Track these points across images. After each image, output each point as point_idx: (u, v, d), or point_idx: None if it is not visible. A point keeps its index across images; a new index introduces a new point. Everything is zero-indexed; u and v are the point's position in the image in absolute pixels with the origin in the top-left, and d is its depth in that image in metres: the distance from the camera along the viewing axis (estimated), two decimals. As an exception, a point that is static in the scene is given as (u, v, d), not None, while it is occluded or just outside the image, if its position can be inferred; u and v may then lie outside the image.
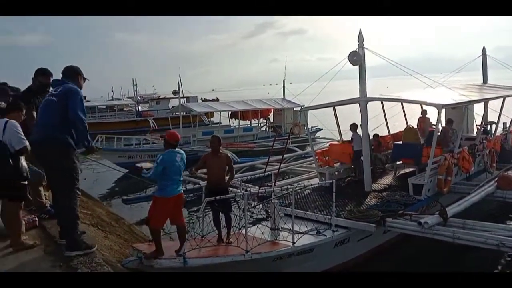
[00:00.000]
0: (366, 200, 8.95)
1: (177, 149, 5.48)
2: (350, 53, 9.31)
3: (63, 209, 4.14)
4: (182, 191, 5.52)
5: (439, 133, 9.81)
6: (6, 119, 4.35)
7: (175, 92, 24.67)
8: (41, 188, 5.43)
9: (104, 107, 43.22)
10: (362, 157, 10.01)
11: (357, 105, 9.71)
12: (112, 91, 68.26)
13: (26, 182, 4.42)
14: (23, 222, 4.81)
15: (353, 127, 10.68)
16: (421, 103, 10.83)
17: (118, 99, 55.99)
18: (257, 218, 8.84)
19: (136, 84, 46.10)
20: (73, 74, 4.61)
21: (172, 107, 29.16)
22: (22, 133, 4.32)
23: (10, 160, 4.16)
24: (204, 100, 39.93)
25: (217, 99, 45.59)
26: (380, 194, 9.31)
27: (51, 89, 4.61)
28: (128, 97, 55.85)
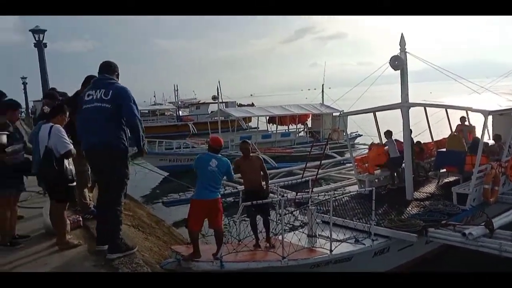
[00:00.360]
0: (408, 209, 8.66)
1: (216, 155, 5.50)
2: (392, 57, 9.08)
3: (109, 213, 4.19)
4: (219, 196, 5.53)
5: (490, 144, 9.38)
6: (51, 123, 4.46)
7: (214, 97, 25.07)
8: (85, 190, 5.66)
9: (147, 111, 44.52)
10: (402, 165, 9.72)
11: (398, 111, 9.46)
12: (154, 96, 70.30)
13: (73, 184, 4.60)
14: (68, 222, 5.02)
15: (388, 134, 10.41)
16: (466, 109, 10.38)
17: (160, 104, 57.55)
18: (293, 224, 8.80)
19: (177, 89, 47.27)
20: (114, 70, 4.44)
21: (211, 112, 29.62)
22: (66, 137, 4.44)
23: (55, 164, 4.28)
24: (240, 105, 40.28)
25: (252, 104, 45.88)
26: (422, 203, 8.97)
27: (93, 91, 4.22)
28: (170, 102, 57.27)
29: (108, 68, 4.40)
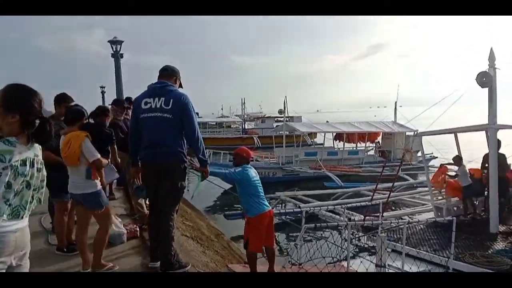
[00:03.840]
0: (492, 243, 7.65)
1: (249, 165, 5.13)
2: (479, 74, 8.20)
3: (163, 227, 3.93)
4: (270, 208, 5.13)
5: None
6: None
7: (280, 111, 24.83)
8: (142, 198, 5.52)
9: (214, 123, 45.65)
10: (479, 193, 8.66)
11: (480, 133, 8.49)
12: (222, 109, 72.18)
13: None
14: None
15: (457, 160, 9.38)
16: None
17: (227, 117, 58.80)
18: (359, 250, 8.13)
19: (244, 103, 48.00)
20: (172, 75, 4.13)
21: (277, 126, 29.43)
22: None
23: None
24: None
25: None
26: (509, 238, 7.90)
27: (152, 99, 3.93)
28: (236, 115, 58.32)
29: (167, 73, 4.13)
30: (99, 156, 3.97)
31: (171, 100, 3.89)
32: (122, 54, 15.23)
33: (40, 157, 2.19)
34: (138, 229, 5.23)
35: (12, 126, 2.03)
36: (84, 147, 3.88)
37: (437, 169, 10.58)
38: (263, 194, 5.02)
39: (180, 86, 4.24)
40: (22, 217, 2.09)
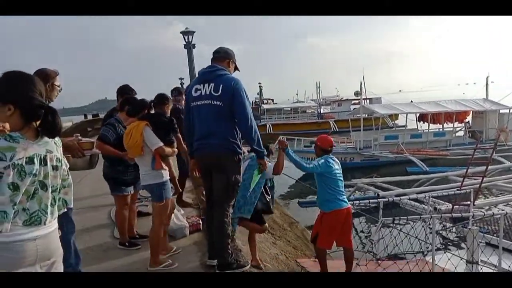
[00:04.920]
0: None
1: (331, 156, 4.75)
2: None
3: (217, 223, 3.70)
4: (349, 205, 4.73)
5: None
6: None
7: (357, 93, 23.77)
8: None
9: (289, 109, 45.35)
10: None
11: None
12: (297, 94, 71.58)
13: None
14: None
15: None
16: None
17: (302, 102, 58.08)
18: (446, 244, 7.32)
19: (319, 87, 46.96)
20: (225, 57, 3.79)
21: (354, 109, 28.25)
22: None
23: None
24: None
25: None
26: None
27: (202, 85, 3.67)
28: (311, 100, 57.37)
29: (218, 56, 3.79)
30: (161, 144, 3.87)
31: (221, 86, 3.59)
32: (194, 44, 15.46)
33: (57, 152, 1.97)
34: (201, 222, 5.08)
35: (12, 120, 1.81)
36: (145, 136, 3.83)
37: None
38: (343, 190, 4.66)
39: (236, 69, 3.93)
40: (44, 223, 1.88)
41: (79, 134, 3.38)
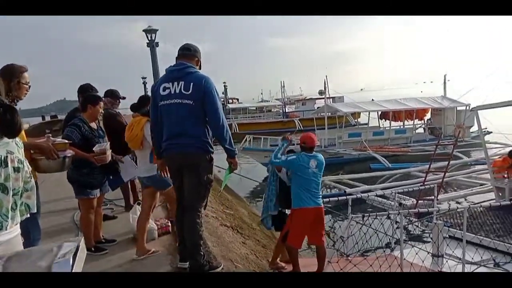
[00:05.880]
0: None
1: (313, 154, 4.70)
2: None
3: (188, 224, 3.57)
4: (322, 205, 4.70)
5: None
6: None
7: (320, 92, 24.08)
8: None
9: (254, 108, 45.38)
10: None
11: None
12: (262, 93, 71.83)
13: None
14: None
15: None
16: None
17: (267, 101, 58.28)
18: (410, 238, 7.48)
19: (283, 86, 47.26)
20: (193, 55, 3.65)
21: (318, 107, 28.62)
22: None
23: None
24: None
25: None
26: None
27: (170, 83, 3.54)
28: (276, 99, 57.66)
29: (188, 53, 3.63)
30: None
31: (191, 84, 3.45)
32: (157, 43, 15.10)
33: (18, 154, 1.82)
34: (170, 224, 4.92)
35: None
36: (146, 131, 4.03)
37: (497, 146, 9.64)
38: (316, 190, 4.58)
39: (200, 67, 3.77)
40: (6, 228, 1.74)
41: (50, 134, 3.17)
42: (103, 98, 4.76)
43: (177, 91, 3.48)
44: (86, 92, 4.69)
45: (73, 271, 1.55)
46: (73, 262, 1.56)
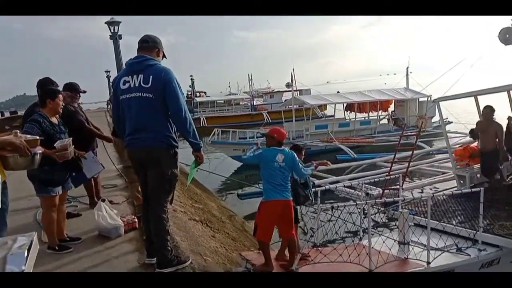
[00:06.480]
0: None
1: (281, 148, 4.62)
2: (502, 30, 7.55)
3: (154, 219, 3.53)
4: (291, 198, 4.67)
5: None
6: None
7: (288, 85, 24.24)
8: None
9: (222, 101, 45.09)
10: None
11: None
12: (229, 87, 71.43)
13: None
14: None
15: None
16: None
17: (235, 94, 58.06)
18: (377, 226, 7.66)
19: (251, 79, 47.21)
20: (154, 46, 3.58)
21: (285, 100, 28.80)
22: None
23: None
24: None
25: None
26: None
27: (130, 77, 3.45)
28: (244, 92, 57.55)
29: (147, 46, 3.55)
30: None
31: (151, 77, 3.37)
32: (120, 35, 14.63)
33: None
34: (136, 220, 4.81)
35: None
36: None
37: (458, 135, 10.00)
38: (283, 182, 4.52)
39: (164, 57, 3.72)
40: None
41: (18, 130, 3.00)
42: (62, 92, 4.54)
43: (137, 84, 3.40)
44: (46, 86, 4.47)
45: (26, 264, 1.55)
46: (28, 255, 1.60)
